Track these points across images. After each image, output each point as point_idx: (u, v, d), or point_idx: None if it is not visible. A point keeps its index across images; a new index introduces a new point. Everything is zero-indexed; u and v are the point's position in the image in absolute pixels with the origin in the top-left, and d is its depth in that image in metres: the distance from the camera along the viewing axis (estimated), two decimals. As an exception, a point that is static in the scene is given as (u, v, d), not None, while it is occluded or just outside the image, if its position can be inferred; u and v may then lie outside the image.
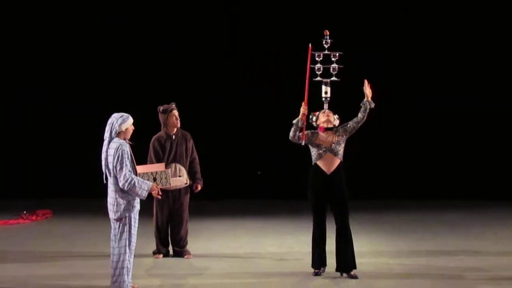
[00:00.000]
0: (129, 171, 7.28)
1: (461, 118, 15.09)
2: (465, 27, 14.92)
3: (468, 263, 9.04)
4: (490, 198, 14.54)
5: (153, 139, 9.40)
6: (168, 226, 9.45)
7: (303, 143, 8.34)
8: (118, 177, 7.28)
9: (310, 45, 8.28)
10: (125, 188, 7.26)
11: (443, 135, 15.16)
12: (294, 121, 8.32)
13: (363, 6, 14.93)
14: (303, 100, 8.30)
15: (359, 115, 8.31)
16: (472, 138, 15.05)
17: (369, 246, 10.01)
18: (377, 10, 14.93)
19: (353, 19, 14.74)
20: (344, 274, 8.29)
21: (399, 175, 15.02)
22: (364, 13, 14.92)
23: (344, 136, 8.34)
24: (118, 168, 7.26)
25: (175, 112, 9.36)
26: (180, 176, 9.17)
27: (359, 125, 8.33)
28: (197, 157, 9.52)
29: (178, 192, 9.34)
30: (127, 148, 7.37)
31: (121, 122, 7.39)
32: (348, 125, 8.35)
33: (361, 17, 14.89)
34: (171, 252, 9.51)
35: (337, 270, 8.33)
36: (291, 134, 8.34)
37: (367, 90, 8.29)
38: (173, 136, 9.35)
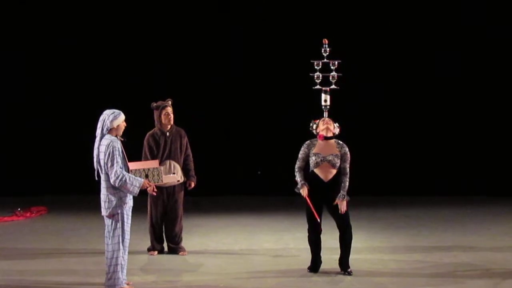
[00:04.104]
0: (120, 167, 7.26)
1: (454, 115, 15.12)
2: (464, 30, 14.99)
3: (462, 258, 9.06)
4: (484, 194, 14.58)
5: (147, 135, 9.38)
6: (163, 222, 9.44)
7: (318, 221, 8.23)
8: (109, 173, 7.27)
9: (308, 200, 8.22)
10: (116, 184, 7.25)
11: (437, 131, 15.18)
12: (297, 187, 8.30)
13: (361, 14, 14.96)
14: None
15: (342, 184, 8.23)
16: (465, 135, 15.07)
17: (364, 242, 10.00)
18: (374, 17, 14.98)
19: (352, 27, 14.77)
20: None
21: (394, 171, 15.04)
22: (362, 21, 14.97)
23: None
24: (109, 165, 7.25)
25: (168, 109, 9.33)
26: (174, 173, 9.15)
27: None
28: (191, 154, 9.50)
29: (172, 188, 9.32)
30: (118, 145, 7.35)
31: (112, 118, 7.38)
32: (344, 164, 8.26)
33: (359, 25, 14.93)
34: (165, 249, 9.49)
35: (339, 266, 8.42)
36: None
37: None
38: (167, 132, 9.34)
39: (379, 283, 7.94)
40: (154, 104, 9.36)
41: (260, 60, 14.94)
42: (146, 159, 9.09)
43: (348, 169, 8.28)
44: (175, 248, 9.41)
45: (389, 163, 15.04)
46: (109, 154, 7.26)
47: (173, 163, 9.24)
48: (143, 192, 7.54)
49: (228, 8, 15.19)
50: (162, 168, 7.94)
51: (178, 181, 9.22)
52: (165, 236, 9.48)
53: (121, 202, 7.37)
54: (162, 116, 9.31)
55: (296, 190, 8.34)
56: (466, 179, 14.90)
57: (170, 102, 9.36)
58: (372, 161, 14.83)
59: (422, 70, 15.09)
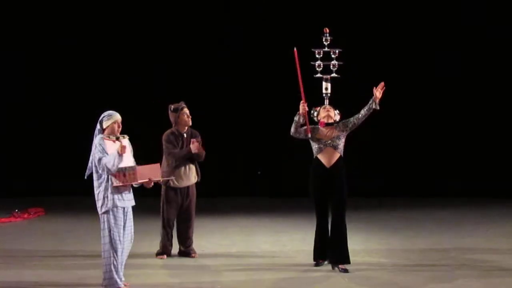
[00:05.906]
0: (104, 156, 7.33)
1: (454, 115, 15.13)
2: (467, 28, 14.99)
3: (460, 260, 9.05)
4: (482, 195, 14.58)
5: (166, 133, 9.23)
6: (174, 225, 9.34)
7: (309, 136, 8.45)
8: (99, 170, 7.37)
9: (295, 48, 8.35)
10: (105, 171, 7.33)
11: (436, 132, 15.18)
12: (295, 118, 8.47)
13: (361, 14, 14.97)
14: (301, 99, 8.46)
15: (362, 112, 8.49)
16: (465, 135, 15.08)
17: (362, 244, 10.00)
18: (374, 17, 14.98)
19: (353, 16, 14.78)
20: (336, 268, 8.42)
21: (392, 173, 15.04)
22: (363, 9, 14.97)
23: (344, 132, 8.54)
24: (96, 162, 7.40)
25: (186, 110, 9.26)
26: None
27: (359, 122, 8.52)
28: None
29: (186, 189, 9.25)
30: (102, 142, 7.42)
31: (105, 119, 7.58)
32: (349, 121, 8.55)
33: (360, 14, 14.93)
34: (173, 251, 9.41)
35: (328, 262, 8.53)
36: (292, 130, 8.53)
37: (378, 93, 8.41)
38: (184, 134, 9.30)
39: (376, 284, 7.93)
40: (173, 107, 9.28)
41: (260, 60, 14.95)
42: (167, 151, 9.05)
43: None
44: (187, 251, 9.29)
45: (387, 164, 15.05)
46: (95, 152, 7.39)
47: (189, 164, 9.21)
48: (151, 193, 7.48)
49: (228, 8, 15.19)
50: (137, 167, 7.68)
51: (159, 181, 8.89)
52: (178, 238, 9.36)
53: (107, 201, 7.40)
54: (183, 116, 9.21)
55: (296, 117, 8.42)
56: (464, 180, 14.90)
57: (183, 104, 9.30)
58: (370, 162, 14.84)
59: (422, 70, 15.10)
